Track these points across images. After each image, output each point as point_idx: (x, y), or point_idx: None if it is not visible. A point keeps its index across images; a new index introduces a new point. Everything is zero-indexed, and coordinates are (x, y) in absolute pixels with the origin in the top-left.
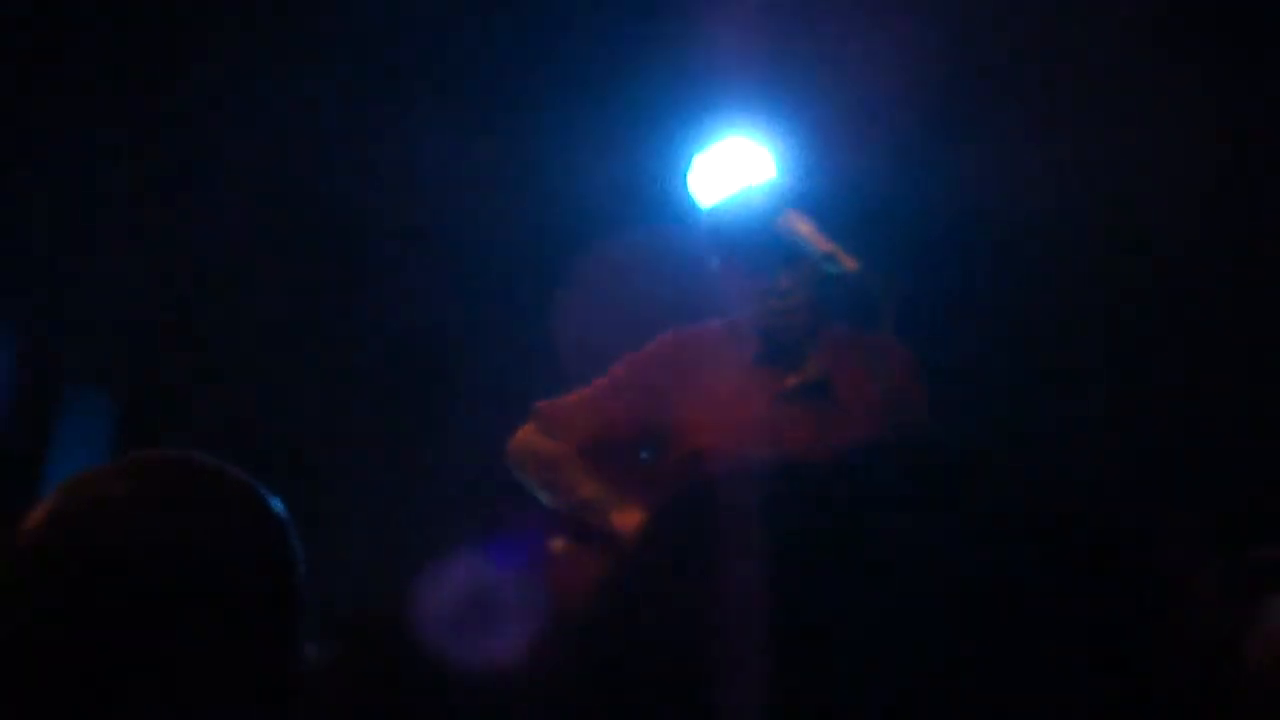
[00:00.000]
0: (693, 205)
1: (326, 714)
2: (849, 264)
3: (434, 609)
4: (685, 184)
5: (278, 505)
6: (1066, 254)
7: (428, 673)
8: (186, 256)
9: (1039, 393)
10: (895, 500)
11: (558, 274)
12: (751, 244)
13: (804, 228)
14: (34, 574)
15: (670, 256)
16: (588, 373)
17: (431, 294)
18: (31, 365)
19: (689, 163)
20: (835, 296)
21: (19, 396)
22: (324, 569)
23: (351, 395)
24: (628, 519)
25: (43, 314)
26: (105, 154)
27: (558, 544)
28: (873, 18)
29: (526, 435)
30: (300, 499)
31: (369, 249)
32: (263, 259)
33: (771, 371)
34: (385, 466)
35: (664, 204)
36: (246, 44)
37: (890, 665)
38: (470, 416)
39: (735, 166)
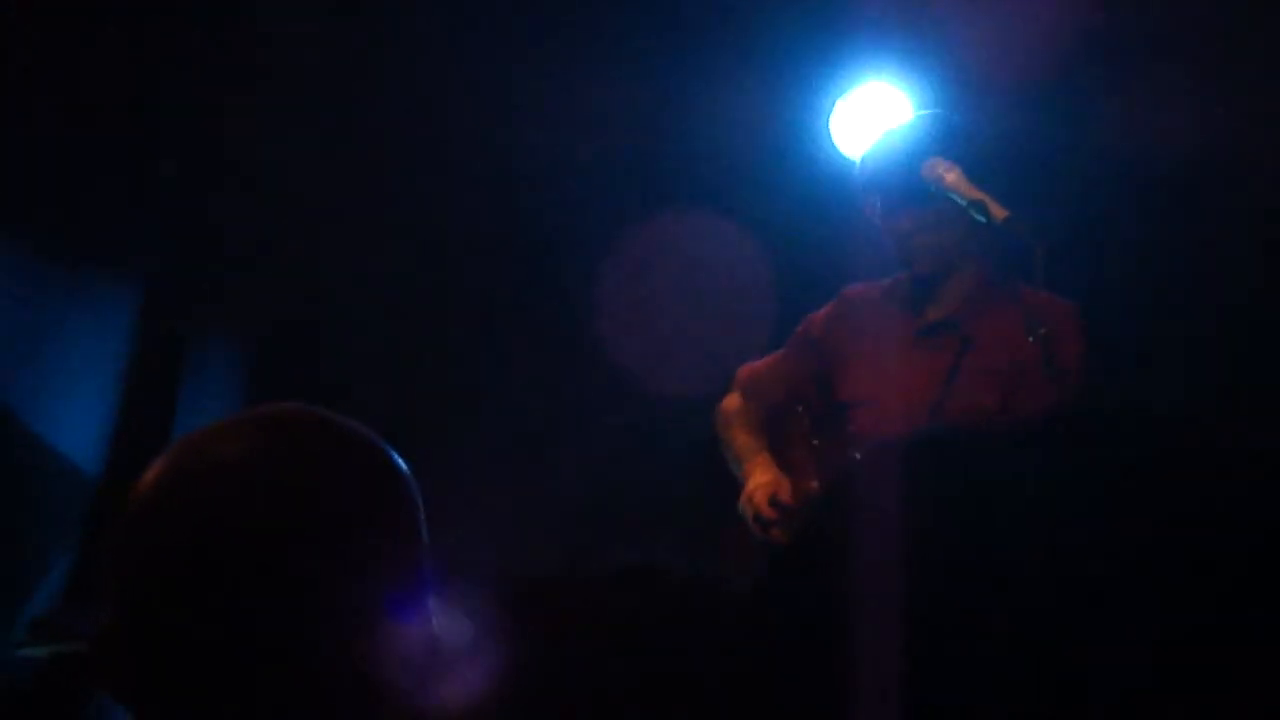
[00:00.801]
0: (835, 151)
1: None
2: (998, 212)
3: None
4: (827, 130)
5: (400, 461)
6: (1213, 206)
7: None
8: (316, 207)
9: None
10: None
11: (700, 224)
12: (886, 187)
13: (950, 175)
14: (142, 536)
15: (814, 203)
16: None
17: (569, 246)
18: (159, 315)
19: (831, 108)
20: (985, 244)
21: (147, 346)
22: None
23: (482, 351)
24: (759, 479)
25: (170, 263)
26: (230, 100)
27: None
28: None
29: (728, 400)
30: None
31: (506, 200)
32: (393, 209)
33: (910, 315)
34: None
35: (807, 150)
36: None
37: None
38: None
39: (877, 112)
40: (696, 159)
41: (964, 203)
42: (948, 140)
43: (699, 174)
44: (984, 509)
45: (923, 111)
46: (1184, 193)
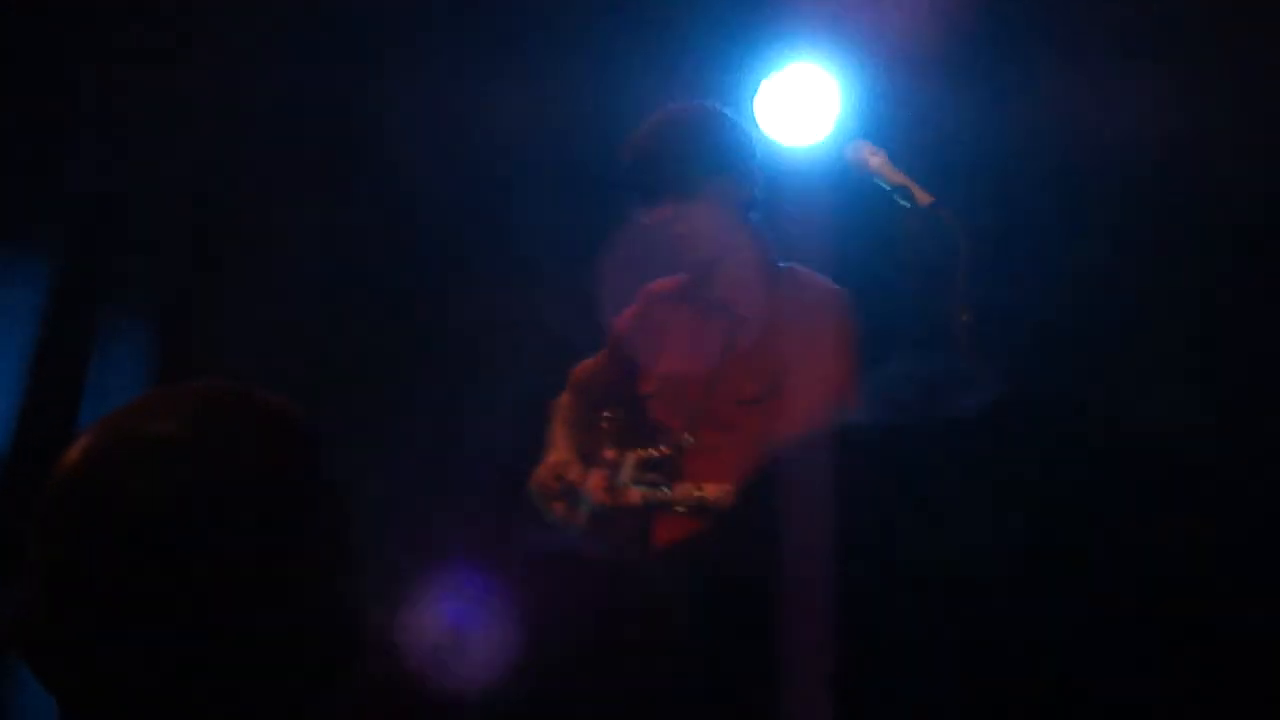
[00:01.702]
0: (760, 133)
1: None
2: (922, 197)
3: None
4: (751, 112)
5: (317, 430)
6: (1144, 191)
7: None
8: (220, 174)
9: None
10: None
11: (615, 211)
12: (644, 179)
13: (875, 159)
14: (70, 514)
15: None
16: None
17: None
18: (67, 292)
19: (755, 90)
20: (911, 230)
21: (54, 324)
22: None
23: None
24: (549, 459)
25: (78, 238)
26: (134, 73)
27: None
28: None
29: (561, 397)
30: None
31: (415, 180)
32: (305, 179)
33: (693, 304)
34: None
35: None
36: None
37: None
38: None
39: (802, 94)
40: (618, 142)
41: (888, 187)
42: (708, 130)
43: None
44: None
45: (685, 103)
46: (1115, 177)
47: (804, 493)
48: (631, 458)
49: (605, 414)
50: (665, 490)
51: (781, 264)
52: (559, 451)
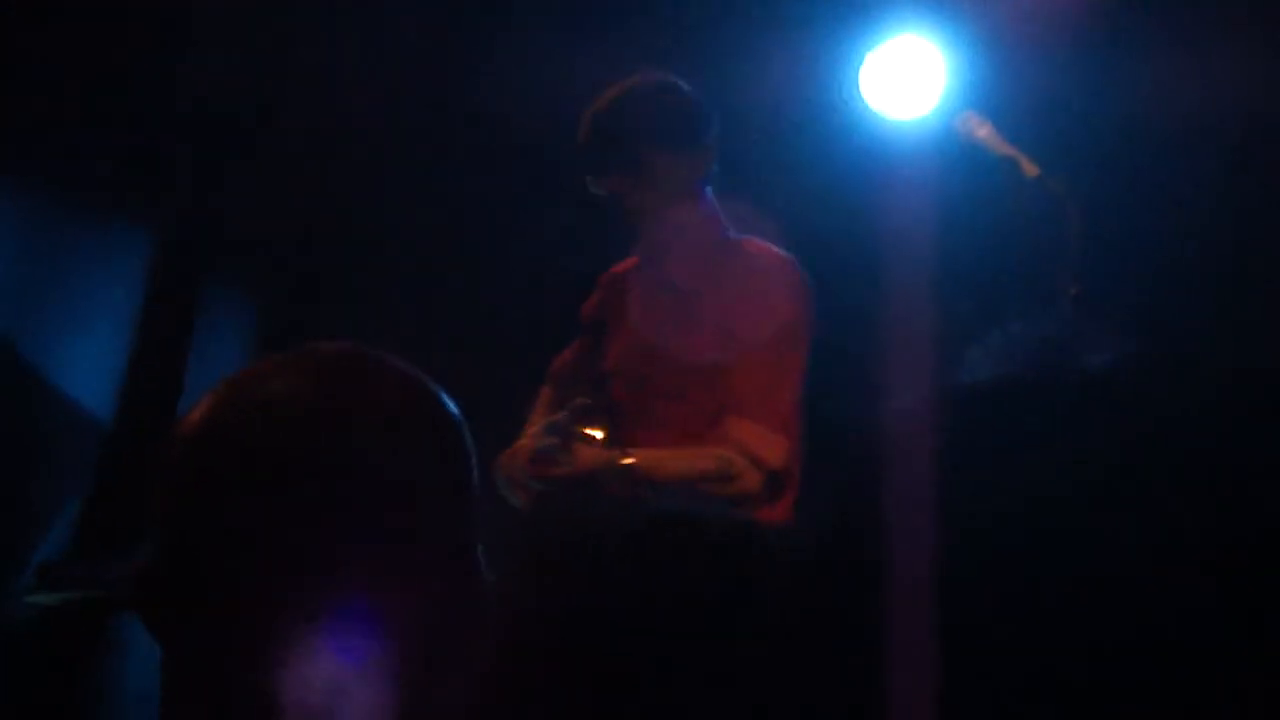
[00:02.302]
0: (865, 106)
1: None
2: (1029, 169)
3: None
4: (857, 84)
5: (450, 401)
6: (1256, 163)
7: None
8: (330, 154)
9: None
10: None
11: (719, 182)
12: (595, 151)
13: (982, 131)
14: (191, 472)
15: (844, 158)
16: None
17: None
18: (171, 263)
19: (860, 62)
20: (1019, 203)
21: (158, 294)
22: None
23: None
24: (517, 443)
25: (183, 210)
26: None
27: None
28: None
29: (541, 391)
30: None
31: (521, 160)
32: (415, 162)
33: (643, 280)
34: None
35: (834, 106)
36: None
37: None
38: None
39: (908, 66)
40: (725, 116)
41: (995, 160)
42: (658, 105)
43: (728, 131)
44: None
45: (641, 77)
46: (1227, 150)
47: (909, 463)
48: (538, 423)
49: (578, 398)
50: (564, 453)
51: (733, 236)
52: (522, 437)
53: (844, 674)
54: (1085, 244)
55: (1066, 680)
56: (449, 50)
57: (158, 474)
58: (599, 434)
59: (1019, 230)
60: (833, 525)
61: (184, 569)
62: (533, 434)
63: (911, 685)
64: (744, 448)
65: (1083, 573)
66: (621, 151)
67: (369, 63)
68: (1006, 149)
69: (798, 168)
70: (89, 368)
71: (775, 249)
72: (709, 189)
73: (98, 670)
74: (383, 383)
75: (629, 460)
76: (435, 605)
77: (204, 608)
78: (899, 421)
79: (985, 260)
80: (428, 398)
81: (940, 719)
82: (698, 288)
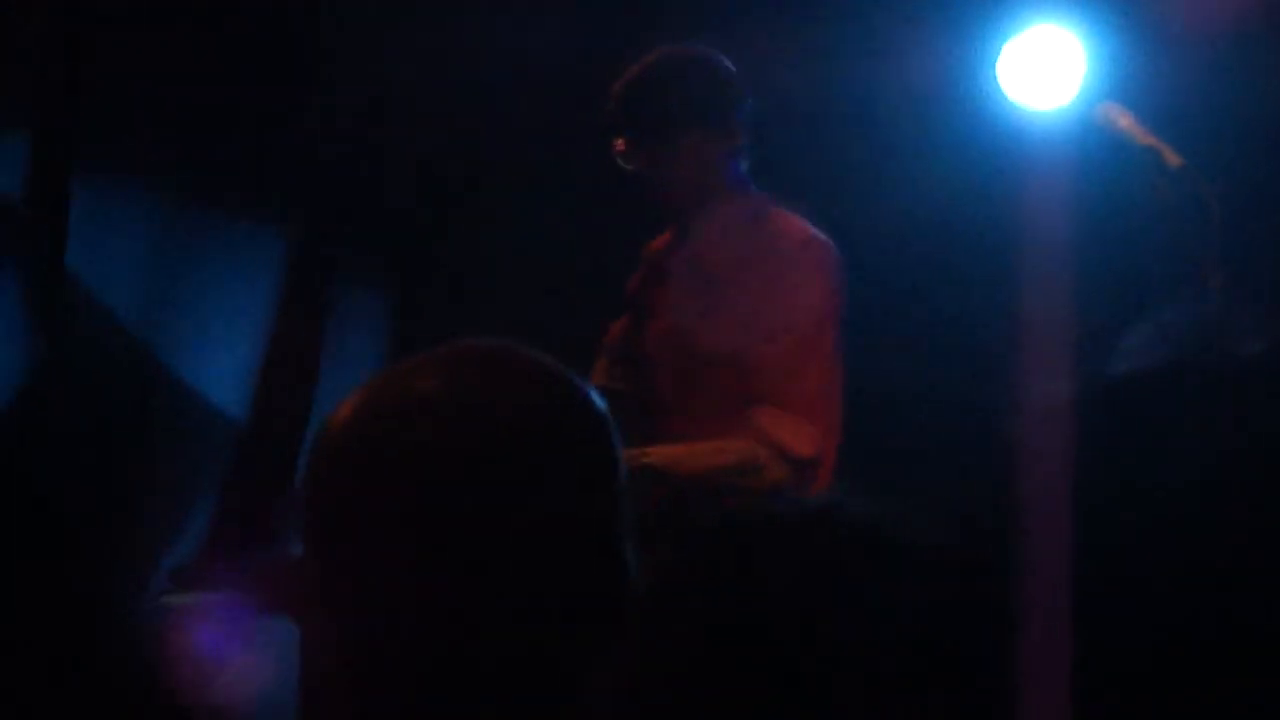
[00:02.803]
0: (1003, 97)
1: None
2: (1172, 160)
3: None
4: (994, 75)
5: (599, 399)
6: None
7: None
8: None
9: None
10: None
11: (857, 173)
12: (627, 124)
13: (1124, 122)
14: (338, 470)
15: (981, 150)
16: None
17: None
18: (303, 260)
19: (998, 52)
20: (1161, 194)
21: (291, 292)
22: None
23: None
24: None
25: (315, 206)
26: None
27: None
28: None
29: (596, 366)
30: None
31: None
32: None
33: (673, 256)
34: None
35: (973, 96)
36: None
37: None
38: None
39: (1048, 56)
40: (860, 105)
41: (1137, 150)
42: (689, 77)
43: (863, 120)
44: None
45: (674, 48)
46: None
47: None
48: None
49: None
50: None
51: (765, 213)
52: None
53: (981, 679)
54: (1229, 233)
55: (1219, 691)
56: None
57: (305, 471)
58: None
59: (1161, 220)
60: (974, 522)
61: (334, 564)
62: None
63: (1049, 692)
64: (768, 438)
65: (1237, 571)
66: (648, 125)
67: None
68: (1148, 139)
69: (936, 158)
70: (222, 367)
71: (806, 227)
72: (741, 166)
73: (231, 670)
74: (529, 378)
75: (646, 460)
76: (580, 601)
77: (354, 602)
78: (1040, 413)
79: (1126, 250)
80: (574, 393)
81: None
82: (724, 272)
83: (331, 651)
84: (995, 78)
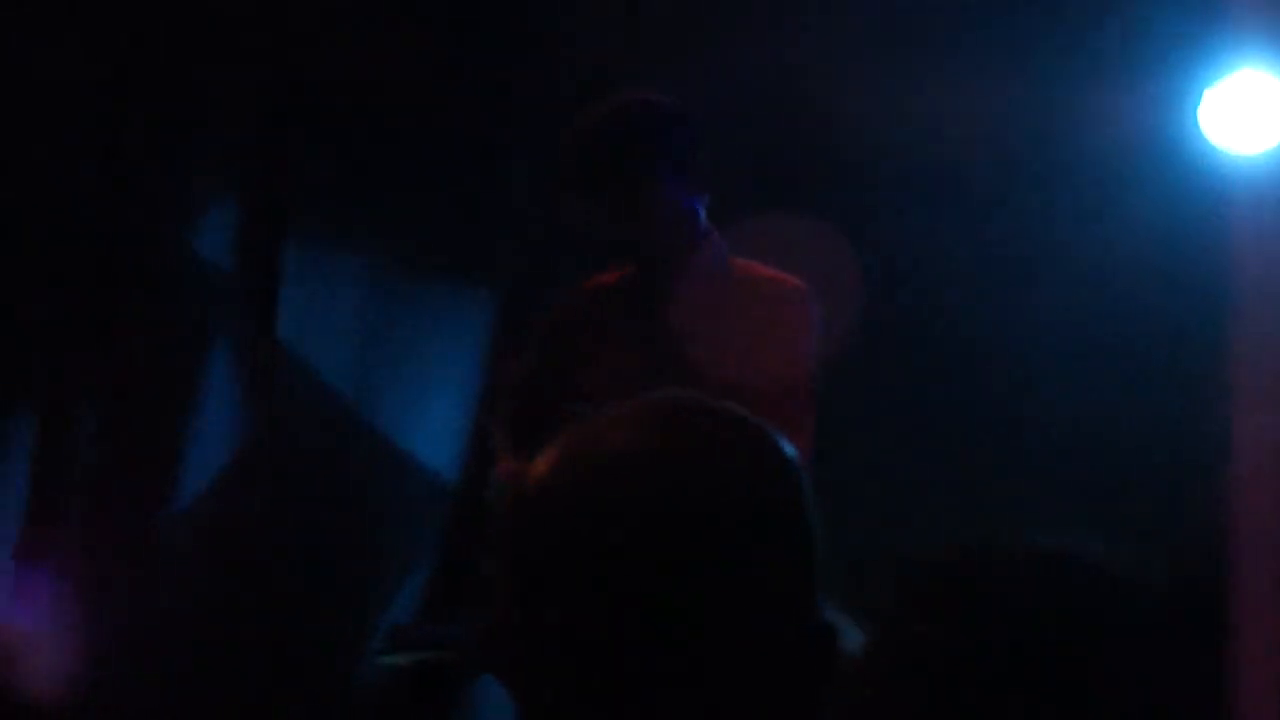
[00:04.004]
0: (1205, 144)
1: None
2: None
3: None
4: (1195, 122)
5: (791, 451)
6: None
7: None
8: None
9: None
10: None
11: (1066, 219)
12: (577, 176)
13: None
14: (536, 526)
15: (1183, 198)
16: None
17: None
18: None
19: (1199, 99)
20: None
21: (503, 350)
22: None
23: None
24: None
25: (525, 264)
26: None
27: None
28: None
29: (497, 406)
30: None
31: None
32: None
33: (637, 306)
34: None
35: (1173, 144)
36: None
37: None
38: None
39: (1250, 102)
40: (1058, 154)
41: None
42: (656, 122)
43: (1061, 170)
44: None
45: (630, 96)
46: None
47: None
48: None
49: (572, 409)
50: None
51: (737, 261)
52: (506, 460)
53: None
54: None
55: None
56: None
57: (503, 527)
58: None
59: None
60: (1183, 551)
61: (532, 627)
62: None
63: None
64: None
65: None
66: (621, 164)
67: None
68: None
69: (1141, 203)
70: (434, 426)
71: (783, 274)
72: (702, 211)
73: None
74: (720, 428)
75: None
76: (776, 654)
77: (557, 665)
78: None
79: None
80: (765, 442)
81: None
82: (699, 321)
83: (537, 707)
84: (1198, 123)
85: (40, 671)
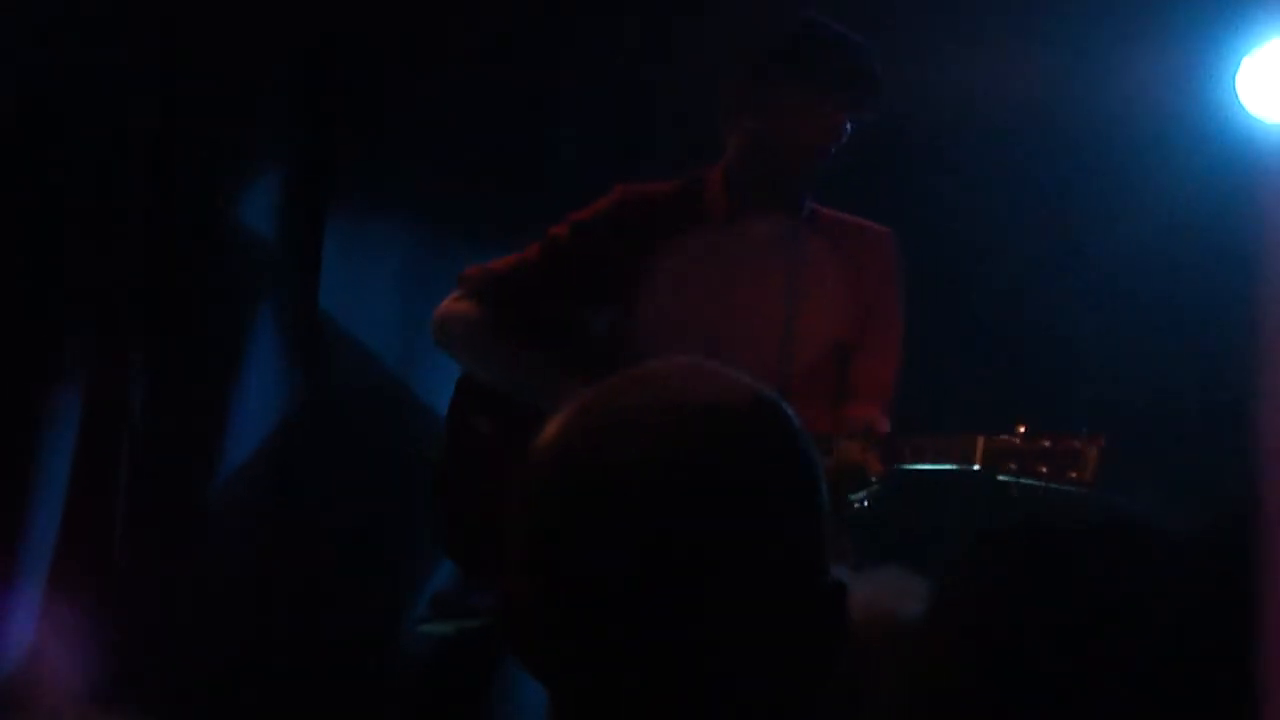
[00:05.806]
0: (1243, 112)
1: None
2: None
3: None
4: (1234, 89)
5: (791, 410)
6: None
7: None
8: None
9: None
10: None
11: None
12: (861, 79)
13: None
14: (546, 491)
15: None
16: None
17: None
18: None
19: (1237, 66)
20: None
21: None
22: None
23: None
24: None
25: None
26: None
27: None
28: None
29: (451, 305)
30: None
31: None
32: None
33: (731, 225)
34: None
35: (1211, 112)
36: None
37: None
38: None
39: None
40: (1095, 122)
41: None
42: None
43: (1103, 135)
44: None
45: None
46: None
47: None
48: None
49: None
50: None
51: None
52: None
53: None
54: None
55: None
56: None
57: (514, 496)
58: None
59: None
60: (1227, 525)
61: (547, 596)
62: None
63: None
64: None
65: None
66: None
67: None
68: None
69: (1174, 171)
70: None
71: (869, 222)
72: None
73: (493, 699)
74: (726, 392)
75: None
76: (788, 612)
77: (567, 628)
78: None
79: None
80: (770, 406)
81: None
82: (809, 256)
83: (554, 679)
84: (1235, 91)
85: (85, 639)
